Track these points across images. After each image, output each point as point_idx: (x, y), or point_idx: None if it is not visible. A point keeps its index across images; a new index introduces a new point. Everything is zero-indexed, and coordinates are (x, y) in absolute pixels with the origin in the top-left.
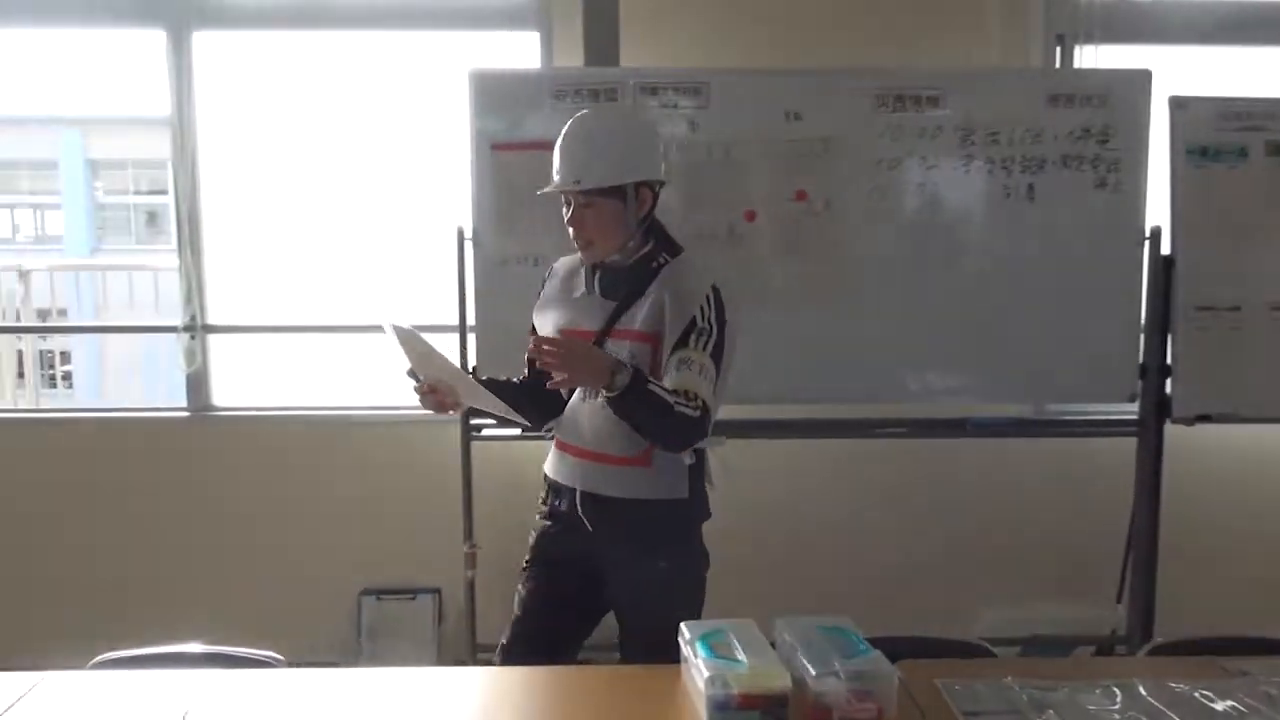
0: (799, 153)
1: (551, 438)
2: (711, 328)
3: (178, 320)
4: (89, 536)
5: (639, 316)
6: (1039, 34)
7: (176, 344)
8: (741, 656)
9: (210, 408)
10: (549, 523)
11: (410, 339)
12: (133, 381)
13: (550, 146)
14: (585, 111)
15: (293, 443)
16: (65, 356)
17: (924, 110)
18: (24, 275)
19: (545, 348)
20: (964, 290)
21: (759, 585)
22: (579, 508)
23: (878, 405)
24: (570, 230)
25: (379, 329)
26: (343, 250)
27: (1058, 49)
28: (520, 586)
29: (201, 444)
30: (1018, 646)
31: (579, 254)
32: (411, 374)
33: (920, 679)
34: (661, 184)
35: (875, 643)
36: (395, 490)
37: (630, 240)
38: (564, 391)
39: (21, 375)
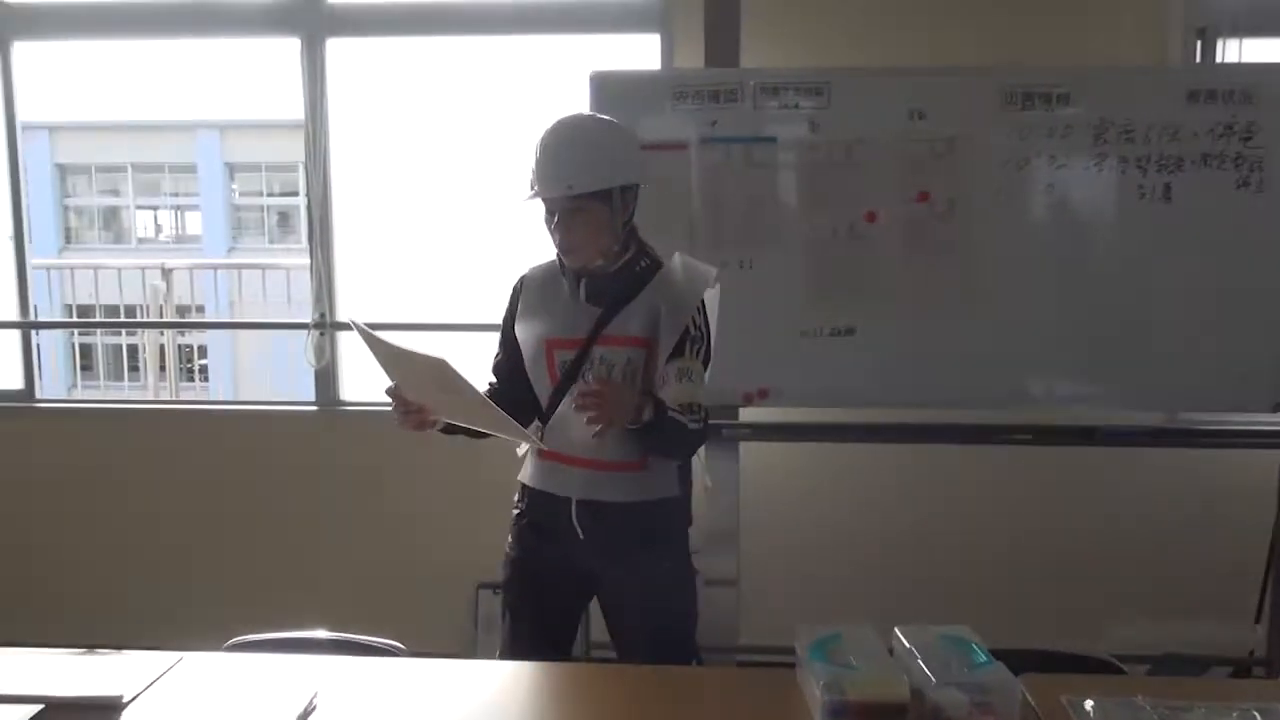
0: (922, 153)
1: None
2: (703, 334)
3: (308, 317)
4: (221, 525)
5: (631, 322)
6: (1179, 28)
7: (306, 340)
8: (857, 663)
9: (338, 402)
10: (528, 536)
11: (390, 353)
12: (263, 376)
13: (671, 147)
14: (565, 118)
15: (416, 437)
16: (202, 351)
17: (1054, 108)
18: (166, 273)
19: (590, 398)
20: (1095, 293)
21: (875, 591)
22: (574, 517)
23: (1002, 411)
24: (555, 237)
25: (496, 328)
26: (466, 250)
27: (1198, 43)
28: (503, 609)
29: (329, 437)
30: (1147, 664)
31: (548, 264)
32: (394, 391)
33: (1044, 693)
34: (639, 188)
35: (997, 654)
36: (515, 485)
37: (615, 245)
38: (542, 401)
39: (163, 368)
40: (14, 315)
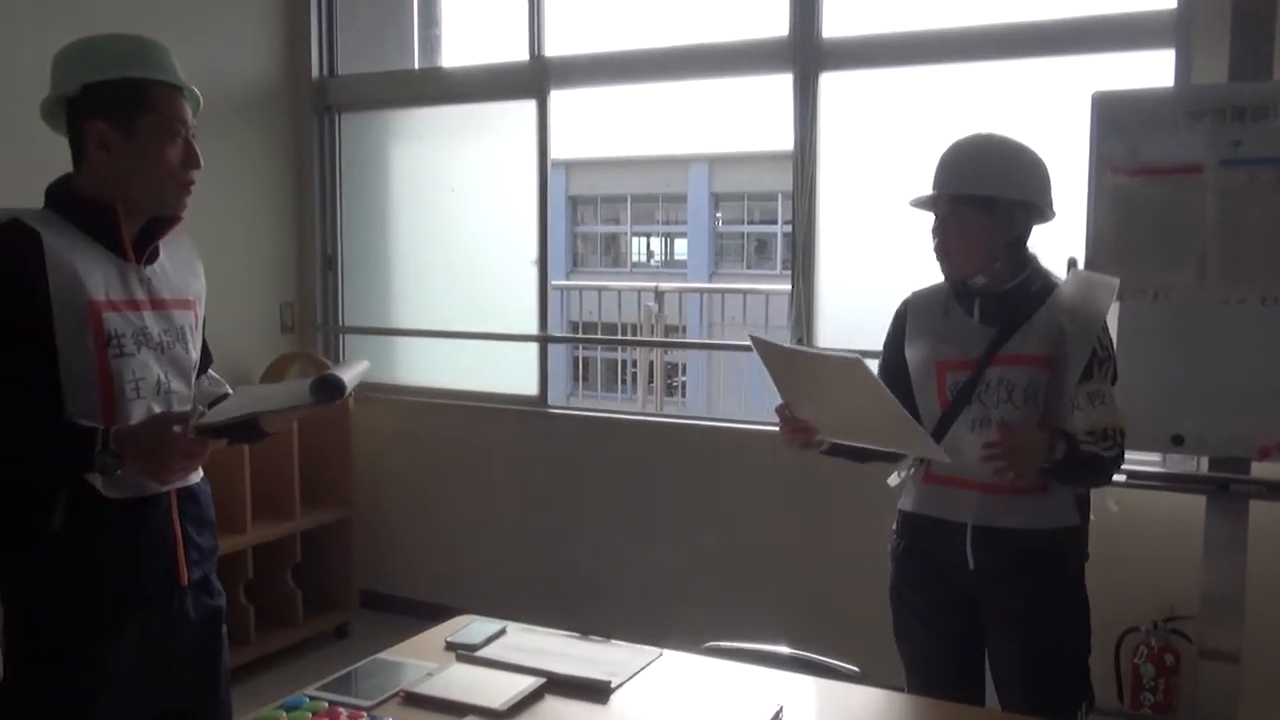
0: None
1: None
2: (1109, 353)
3: (786, 342)
4: (696, 533)
5: (1031, 341)
6: None
7: None
8: None
9: None
10: (909, 567)
11: (793, 364)
12: (737, 395)
13: (1182, 171)
14: (975, 134)
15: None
16: (682, 368)
17: None
18: (659, 296)
19: (993, 452)
20: None
21: None
22: (968, 544)
23: None
24: (934, 241)
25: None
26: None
27: None
28: (901, 643)
29: (800, 459)
30: None
31: (936, 286)
32: (783, 408)
33: None
34: (1042, 216)
35: None
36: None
37: (994, 261)
38: (928, 425)
39: (650, 381)
40: (534, 330)
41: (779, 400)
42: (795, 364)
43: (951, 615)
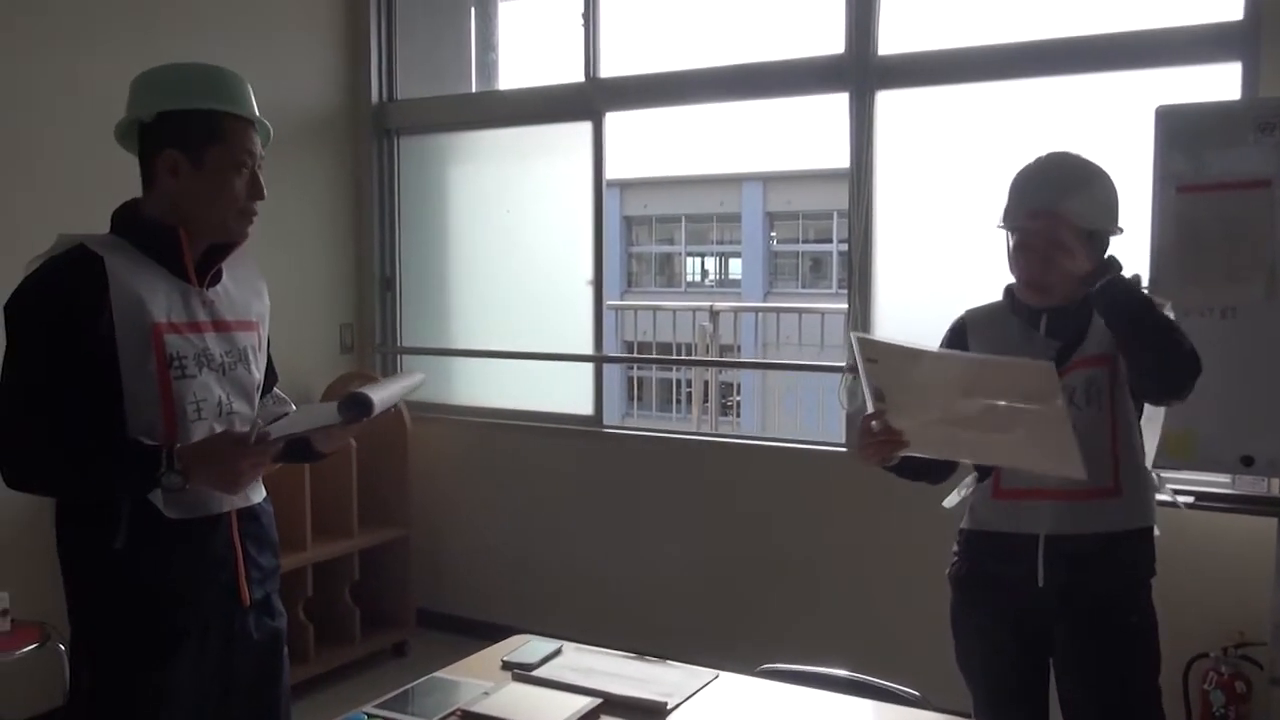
0: None
1: None
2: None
3: (840, 360)
4: (751, 554)
5: (1090, 345)
6: None
7: (840, 383)
8: None
9: None
10: (970, 590)
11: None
12: (793, 415)
13: (1249, 185)
14: (1058, 154)
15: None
16: (736, 388)
17: None
18: (714, 315)
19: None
20: None
21: None
22: (1040, 556)
23: None
24: (1027, 270)
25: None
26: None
27: None
28: (966, 668)
29: (858, 477)
30: None
31: (993, 304)
32: (871, 418)
33: None
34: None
35: None
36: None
37: (1087, 287)
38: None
39: (705, 401)
40: (590, 350)
41: (834, 420)
42: (930, 366)
43: (1018, 635)
